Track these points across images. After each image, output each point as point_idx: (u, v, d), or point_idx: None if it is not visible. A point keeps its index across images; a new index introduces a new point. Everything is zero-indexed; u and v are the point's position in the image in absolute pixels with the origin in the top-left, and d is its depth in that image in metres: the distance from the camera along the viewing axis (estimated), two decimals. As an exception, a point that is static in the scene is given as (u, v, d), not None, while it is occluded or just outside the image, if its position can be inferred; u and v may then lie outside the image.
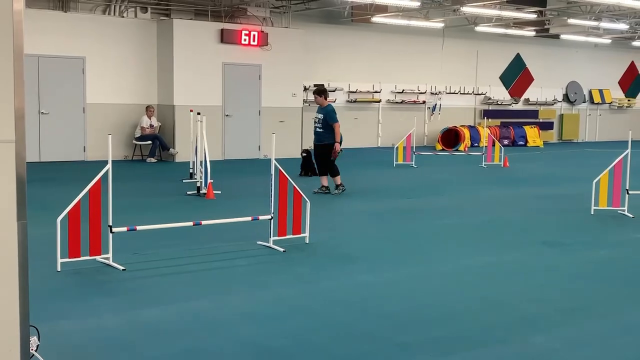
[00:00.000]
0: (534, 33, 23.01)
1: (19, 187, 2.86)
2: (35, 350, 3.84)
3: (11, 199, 2.86)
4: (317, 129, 11.38)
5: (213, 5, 17.64)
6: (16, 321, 2.93)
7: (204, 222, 7.69)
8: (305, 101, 19.55)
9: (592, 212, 10.02)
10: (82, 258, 6.36)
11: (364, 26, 20.75)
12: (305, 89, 19.75)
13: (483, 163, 16.98)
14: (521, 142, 24.05)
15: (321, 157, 11.50)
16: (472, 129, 22.72)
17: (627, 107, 28.28)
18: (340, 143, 11.34)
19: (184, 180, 12.76)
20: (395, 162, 16.49)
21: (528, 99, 25.53)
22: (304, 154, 14.28)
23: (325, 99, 11.50)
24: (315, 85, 20.16)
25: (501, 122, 24.42)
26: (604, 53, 27.13)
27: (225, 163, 16.48)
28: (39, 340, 3.88)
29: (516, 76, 25.11)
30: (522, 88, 25.37)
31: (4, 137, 2.83)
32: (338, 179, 11.55)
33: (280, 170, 7.40)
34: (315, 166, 11.75)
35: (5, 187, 2.84)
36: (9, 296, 2.90)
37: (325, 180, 11.55)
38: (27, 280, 2.94)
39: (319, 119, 11.33)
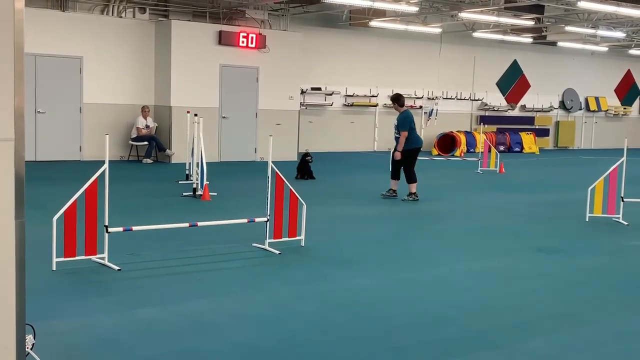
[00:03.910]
0: (531, 40, 23.09)
1: (17, 185, 2.86)
2: (31, 349, 3.83)
3: (9, 197, 2.86)
4: (395, 135, 11.59)
5: (211, 7, 17.66)
6: (12, 319, 2.92)
7: (199, 224, 7.70)
8: (302, 104, 19.57)
9: (587, 219, 10.05)
10: (77, 258, 6.35)
11: (362, 30, 20.79)
12: (302, 92, 19.77)
13: (479, 169, 17.01)
14: (517, 149, 24.11)
15: (394, 162, 11.64)
16: (469, 134, 22.77)
17: (622, 115, 28.38)
18: (404, 153, 11.39)
19: (180, 182, 12.75)
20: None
21: (524, 105, 25.60)
22: (308, 158, 14.18)
23: (401, 105, 11.57)
24: (312, 89, 20.24)
25: (497, 128, 24.49)
26: (600, 61, 27.23)
27: (221, 165, 16.48)
28: (34, 338, 3.88)
29: (513, 82, 25.18)
30: (519, 94, 25.44)
31: (3, 135, 2.82)
32: (413, 187, 11.52)
33: (276, 172, 7.41)
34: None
35: (3, 185, 2.84)
36: (6, 294, 2.90)
37: (394, 184, 11.64)
38: (24, 278, 2.94)
39: (395, 125, 11.60)
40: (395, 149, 11.41)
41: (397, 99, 11.63)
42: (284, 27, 18.72)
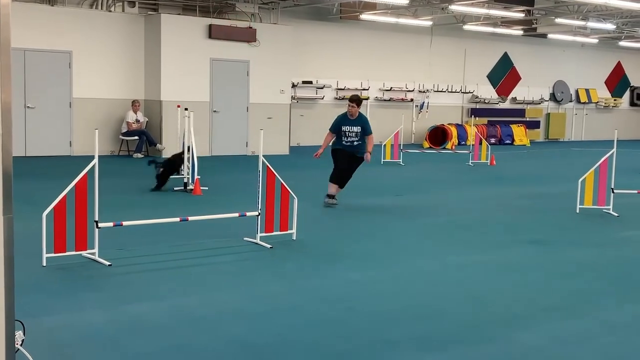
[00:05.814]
0: (521, 32, 23.10)
1: (5, 180, 2.84)
2: (21, 345, 3.81)
3: (-3, 193, 2.84)
4: (356, 140, 10.22)
5: (201, 1, 17.57)
6: (1, 316, 2.91)
7: (190, 218, 7.66)
8: (293, 98, 19.54)
9: (578, 211, 10.09)
10: (67, 253, 6.33)
11: (352, 23, 20.75)
12: (294, 86, 19.73)
13: (470, 161, 17.03)
14: (508, 141, 24.15)
15: (352, 169, 10.52)
16: (460, 127, 22.80)
17: (613, 106, 28.46)
18: (359, 159, 10.41)
19: (171, 176, 12.69)
20: (382, 160, 16.50)
21: (515, 97, 25.63)
22: (162, 169, 11.37)
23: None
24: (303, 82, 20.17)
25: (488, 120, 24.52)
26: (590, 53, 27.28)
27: (212, 159, 16.44)
28: (24, 334, 3.86)
29: (503, 75, 25.20)
30: (509, 87, 25.47)
31: (-10, 131, 2.81)
32: (338, 190, 10.44)
33: (268, 166, 7.40)
34: (338, 175, 10.46)
35: (-9, 180, 2.82)
36: (-6, 290, 2.88)
37: (336, 189, 10.42)
38: (13, 274, 2.92)
39: (357, 131, 10.18)
40: (367, 151, 10.20)
41: (361, 101, 10.51)
42: (275, 20, 18.66)
